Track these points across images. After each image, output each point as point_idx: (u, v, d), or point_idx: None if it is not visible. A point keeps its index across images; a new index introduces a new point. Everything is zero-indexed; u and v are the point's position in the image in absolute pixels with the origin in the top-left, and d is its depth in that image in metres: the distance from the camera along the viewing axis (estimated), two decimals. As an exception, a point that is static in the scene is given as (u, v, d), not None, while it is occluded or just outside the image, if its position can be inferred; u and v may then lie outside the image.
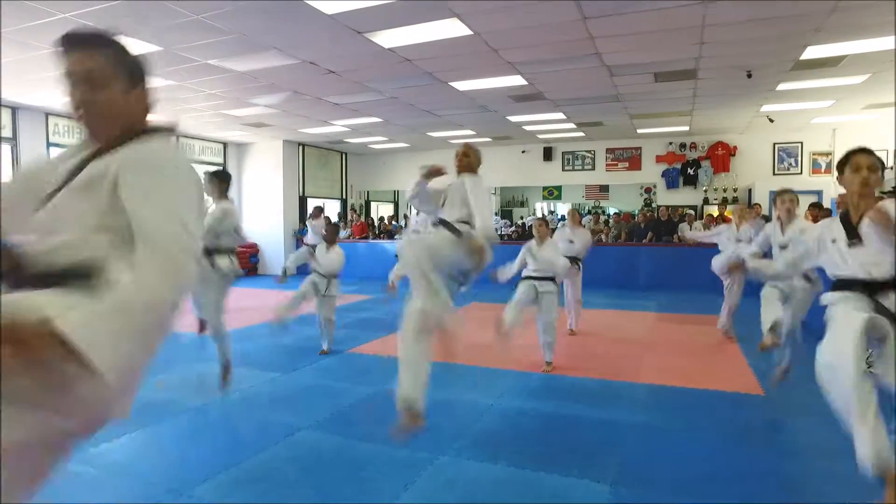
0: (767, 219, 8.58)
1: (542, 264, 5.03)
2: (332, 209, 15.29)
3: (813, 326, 3.51)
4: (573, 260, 6.32)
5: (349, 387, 4.52)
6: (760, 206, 9.28)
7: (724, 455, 3.20)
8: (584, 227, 7.08)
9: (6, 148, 9.17)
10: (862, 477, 2.67)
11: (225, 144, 13.45)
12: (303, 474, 2.96)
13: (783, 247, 4.00)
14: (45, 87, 7.86)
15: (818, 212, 7.86)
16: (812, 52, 6.30)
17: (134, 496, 2.74)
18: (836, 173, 2.66)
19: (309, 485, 2.84)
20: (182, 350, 5.55)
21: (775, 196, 4.05)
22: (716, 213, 11.26)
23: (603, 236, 11.63)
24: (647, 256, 10.63)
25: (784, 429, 3.74)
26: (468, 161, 3.49)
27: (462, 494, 2.73)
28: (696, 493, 2.74)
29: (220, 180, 4.49)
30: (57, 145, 9.85)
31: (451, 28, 5.56)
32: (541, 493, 2.73)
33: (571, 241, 6.59)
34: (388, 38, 5.88)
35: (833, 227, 2.61)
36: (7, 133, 9.12)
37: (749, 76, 7.21)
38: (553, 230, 6.64)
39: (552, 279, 5.05)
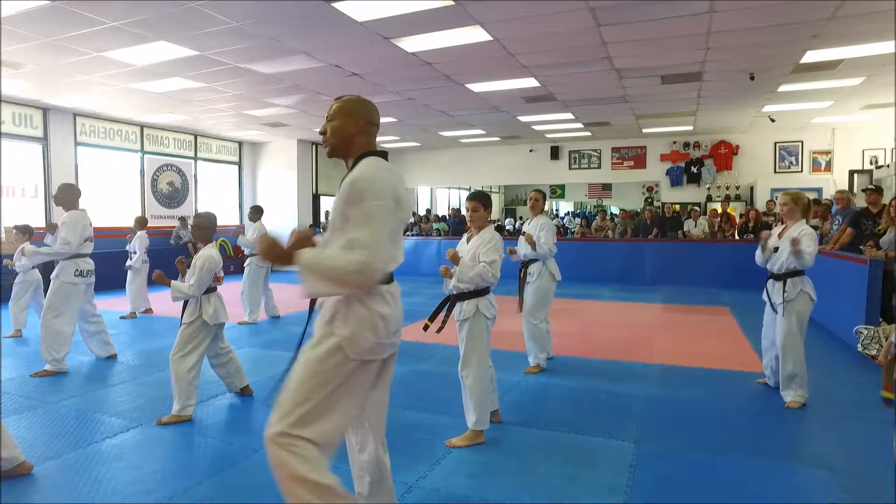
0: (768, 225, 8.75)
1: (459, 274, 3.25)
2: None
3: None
4: (528, 263, 4.81)
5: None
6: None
7: (732, 419, 3.59)
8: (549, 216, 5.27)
9: (37, 147, 9.54)
10: (843, 440, 3.06)
11: (240, 143, 13.83)
12: (359, 436, 3.33)
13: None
14: (78, 89, 8.24)
15: (818, 208, 8.24)
16: (811, 57, 6.67)
17: (242, 441, 3.16)
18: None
19: (367, 444, 3.21)
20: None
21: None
22: (719, 210, 11.63)
23: (609, 232, 12.01)
24: (652, 252, 11.01)
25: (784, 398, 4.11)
26: (337, 126, 1.95)
27: (506, 450, 3.11)
28: (710, 447, 3.13)
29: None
30: (84, 145, 10.23)
31: (473, 34, 5.93)
32: (572, 449, 3.12)
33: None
34: (413, 44, 6.24)
35: None
36: (39, 133, 9.49)
37: (752, 78, 7.59)
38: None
39: (476, 294, 3.26)
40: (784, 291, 3.79)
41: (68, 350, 4.73)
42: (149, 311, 7.67)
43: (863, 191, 6.76)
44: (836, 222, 6.85)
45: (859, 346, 5.01)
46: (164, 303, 7.65)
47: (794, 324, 3.77)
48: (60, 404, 3.93)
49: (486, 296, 3.26)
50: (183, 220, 11.62)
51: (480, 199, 3.37)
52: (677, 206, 11.92)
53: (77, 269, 4.75)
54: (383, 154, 1.98)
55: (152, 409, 3.81)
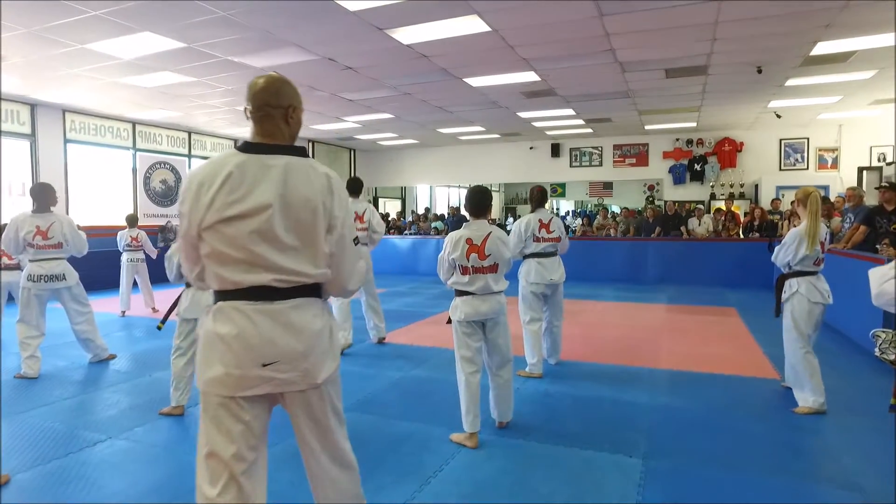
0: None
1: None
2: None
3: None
4: None
5: (376, 373, 4.65)
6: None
7: (747, 430, 3.35)
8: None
9: (25, 144, 9.30)
10: (870, 456, 2.82)
11: (235, 141, 13.58)
12: (346, 449, 3.09)
13: None
14: (65, 84, 8.00)
15: (823, 206, 7.97)
16: (822, 48, 6.43)
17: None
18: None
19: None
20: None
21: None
22: (724, 208, 11.38)
23: (612, 231, 11.77)
24: (655, 251, 10.77)
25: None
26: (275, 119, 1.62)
27: (503, 467, 2.87)
28: (725, 464, 2.88)
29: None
30: (74, 142, 9.99)
31: (471, 25, 5.69)
32: (576, 465, 2.87)
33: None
34: (408, 35, 6.00)
35: None
36: (26, 130, 9.25)
37: (759, 72, 7.34)
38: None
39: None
40: (784, 292, 3.88)
41: (30, 355, 4.58)
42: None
43: (876, 188, 6.53)
44: (848, 220, 6.60)
45: (877, 350, 4.73)
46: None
47: (789, 324, 3.79)
48: (25, 415, 3.69)
49: (456, 297, 3.21)
50: (162, 227, 11.42)
51: None
52: (675, 205, 11.68)
53: (29, 274, 4.61)
54: (254, 146, 1.61)
55: (125, 418, 3.58)
